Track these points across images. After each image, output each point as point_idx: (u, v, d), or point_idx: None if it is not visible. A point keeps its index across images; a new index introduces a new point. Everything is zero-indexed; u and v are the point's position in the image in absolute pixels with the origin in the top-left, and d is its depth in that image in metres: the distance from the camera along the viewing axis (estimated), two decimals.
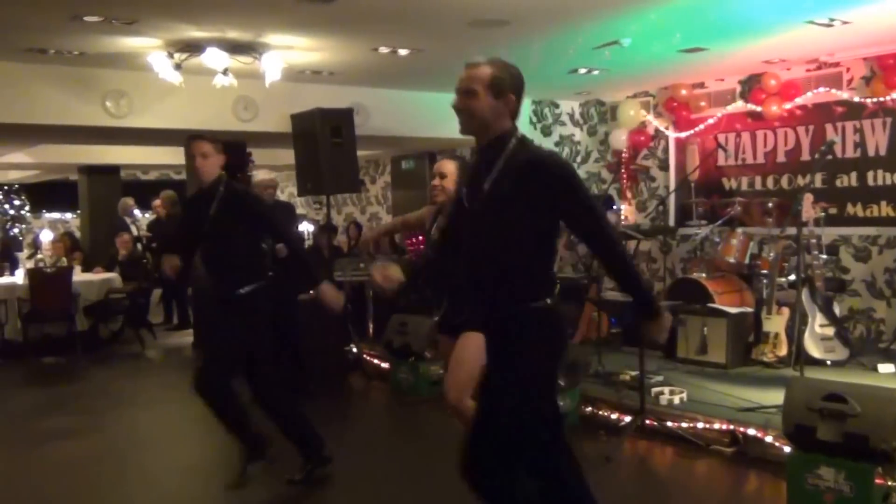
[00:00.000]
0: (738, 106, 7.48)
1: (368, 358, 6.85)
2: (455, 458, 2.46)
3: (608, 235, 2.41)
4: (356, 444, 4.83)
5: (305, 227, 10.90)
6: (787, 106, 7.04)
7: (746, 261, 6.28)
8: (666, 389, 5.05)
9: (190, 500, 4.06)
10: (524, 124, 8.92)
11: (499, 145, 2.42)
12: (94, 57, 6.01)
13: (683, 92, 7.82)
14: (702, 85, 7.82)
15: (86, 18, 4.88)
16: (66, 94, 6.45)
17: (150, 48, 5.67)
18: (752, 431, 4.27)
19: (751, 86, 7.38)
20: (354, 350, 6.92)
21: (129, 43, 5.58)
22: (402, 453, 4.74)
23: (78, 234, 11.89)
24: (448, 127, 10.25)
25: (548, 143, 9.23)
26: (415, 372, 6.00)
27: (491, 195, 2.38)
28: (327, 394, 6.04)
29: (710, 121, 7.71)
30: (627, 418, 4.81)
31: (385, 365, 6.55)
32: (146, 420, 5.72)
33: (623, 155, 8.59)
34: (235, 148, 8.16)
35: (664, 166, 8.36)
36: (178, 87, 5.95)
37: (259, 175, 5.89)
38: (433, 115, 8.33)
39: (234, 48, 5.66)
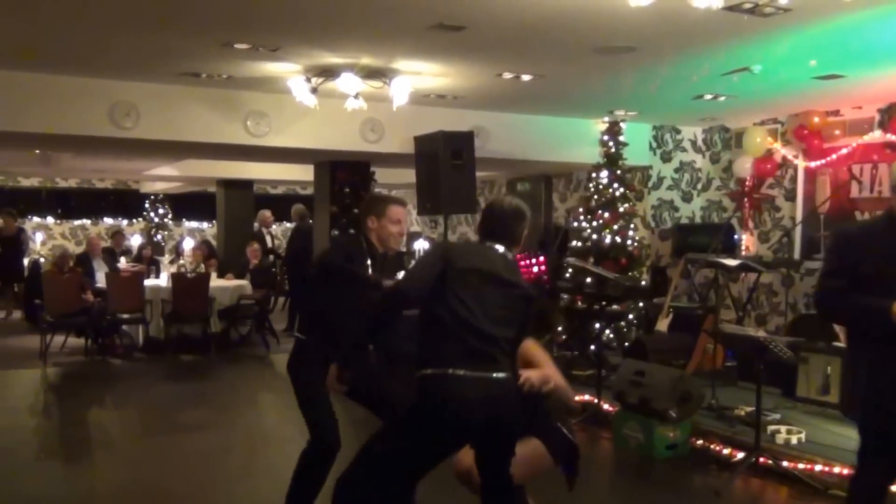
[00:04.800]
0: (876, 135, 7.09)
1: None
2: None
3: None
4: None
5: (420, 245, 11.24)
6: None
7: None
8: (783, 428, 4.88)
9: None
10: (643, 150, 8.88)
11: None
12: (240, 80, 6.55)
13: (816, 120, 7.47)
14: (836, 113, 7.47)
15: (236, 45, 5.35)
16: (212, 114, 7.06)
17: (290, 73, 6.11)
18: None
19: (891, 115, 6.99)
20: None
21: (272, 68, 6.04)
22: None
23: (213, 242, 12.82)
24: (564, 151, 10.16)
25: (667, 170, 9.10)
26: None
27: None
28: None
29: (845, 150, 7.35)
30: (741, 454, 4.68)
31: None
32: (271, 418, 6.12)
33: (747, 183, 8.33)
34: (360, 167, 8.65)
35: (791, 196, 8.03)
36: (313, 109, 6.36)
37: None
38: (550, 138, 8.43)
39: (367, 73, 5.99)
